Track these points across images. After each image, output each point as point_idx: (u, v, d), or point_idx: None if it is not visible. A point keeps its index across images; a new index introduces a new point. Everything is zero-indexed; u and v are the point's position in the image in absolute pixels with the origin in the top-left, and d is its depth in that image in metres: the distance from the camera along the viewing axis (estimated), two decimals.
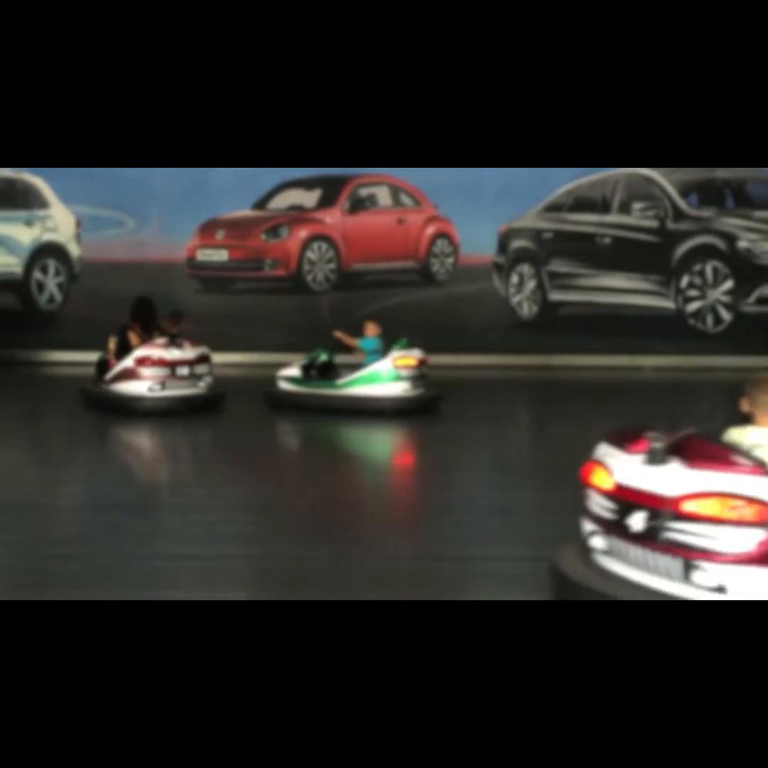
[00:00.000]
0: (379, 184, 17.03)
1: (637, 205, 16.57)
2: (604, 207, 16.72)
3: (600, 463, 3.93)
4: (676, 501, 3.47)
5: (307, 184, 17.00)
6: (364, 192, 16.97)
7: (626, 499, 3.69)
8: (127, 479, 8.22)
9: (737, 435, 3.93)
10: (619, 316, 16.78)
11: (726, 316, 16.49)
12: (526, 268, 16.98)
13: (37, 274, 16.85)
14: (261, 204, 17.04)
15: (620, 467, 3.78)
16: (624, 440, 3.90)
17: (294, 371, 11.31)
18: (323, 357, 11.27)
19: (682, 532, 3.43)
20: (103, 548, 5.68)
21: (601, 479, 3.87)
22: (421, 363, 10.99)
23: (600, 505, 3.84)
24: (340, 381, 10.95)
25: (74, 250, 16.87)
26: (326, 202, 16.91)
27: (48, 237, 16.80)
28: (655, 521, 3.53)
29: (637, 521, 3.59)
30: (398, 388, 10.79)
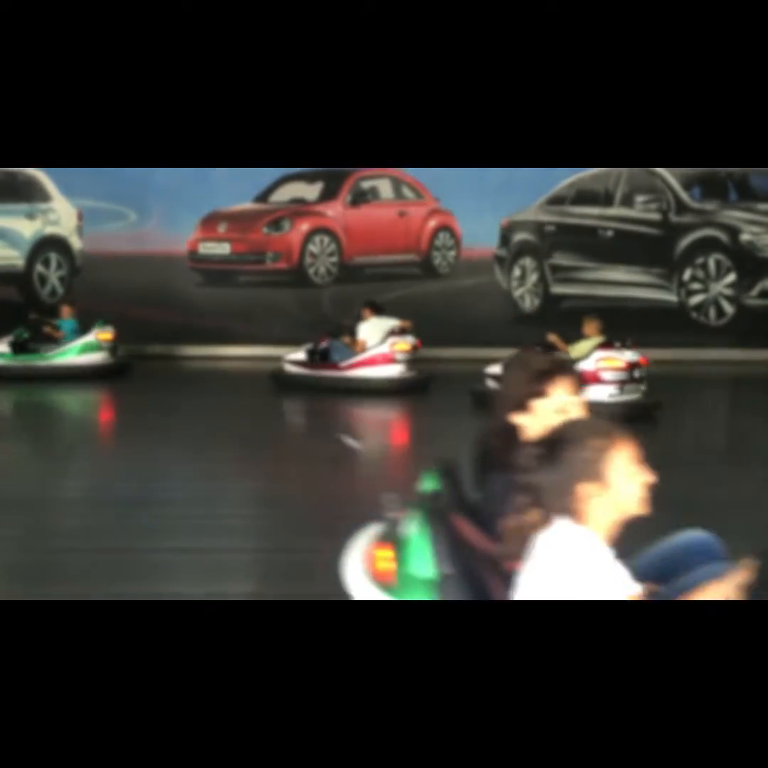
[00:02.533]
0: (380, 177, 17.00)
1: (639, 198, 16.54)
2: (607, 200, 16.69)
3: None
4: None
5: (308, 177, 16.98)
6: (365, 185, 16.95)
7: None
8: None
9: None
10: (621, 309, 16.76)
11: (729, 309, 16.48)
12: (528, 261, 16.96)
13: (38, 267, 16.83)
14: (263, 197, 17.02)
15: None
16: None
17: (3, 347, 13.29)
18: (24, 335, 13.41)
19: None
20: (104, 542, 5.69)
21: None
22: (109, 339, 13.56)
23: None
24: (49, 353, 13.28)
25: (76, 243, 16.85)
26: (328, 195, 16.89)
27: (50, 230, 16.78)
28: None
29: None
30: (89, 359, 13.27)
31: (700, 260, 16.31)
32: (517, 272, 17.00)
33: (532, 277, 16.96)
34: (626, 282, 16.73)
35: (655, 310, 16.61)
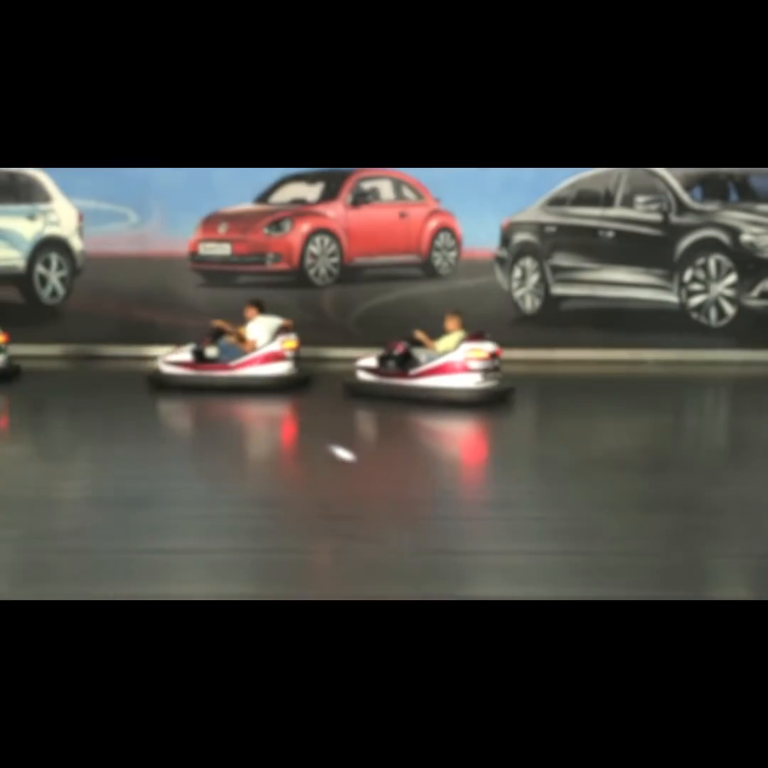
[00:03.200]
0: (381, 177, 17.00)
1: (640, 199, 16.52)
2: (608, 200, 16.68)
3: None
4: None
5: (309, 178, 16.98)
6: (366, 186, 16.94)
7: None
8: None
9: None
10: (622, 310, 16.75)
11: (729, 310, 16.46)
12: (528, 262, 16.94)
13: (39, 268, 16.82)
14: (263, 198, 17.01)
15: None
16: None
17: None
18: None
19: None
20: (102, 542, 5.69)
21: None
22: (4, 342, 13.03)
23: None
24: None
25: (76, 244, 16.84)
26: (328, 195, 16.88)
27: (50, 231, 16.77)
28: None
29: None
30: None
31: (700, 261, 16.29)
32: (517, 273, 16.99)
33: (533, 278, 16.95)
34: (627, 283, 16.71)
35: (656, 311, 16.59)
